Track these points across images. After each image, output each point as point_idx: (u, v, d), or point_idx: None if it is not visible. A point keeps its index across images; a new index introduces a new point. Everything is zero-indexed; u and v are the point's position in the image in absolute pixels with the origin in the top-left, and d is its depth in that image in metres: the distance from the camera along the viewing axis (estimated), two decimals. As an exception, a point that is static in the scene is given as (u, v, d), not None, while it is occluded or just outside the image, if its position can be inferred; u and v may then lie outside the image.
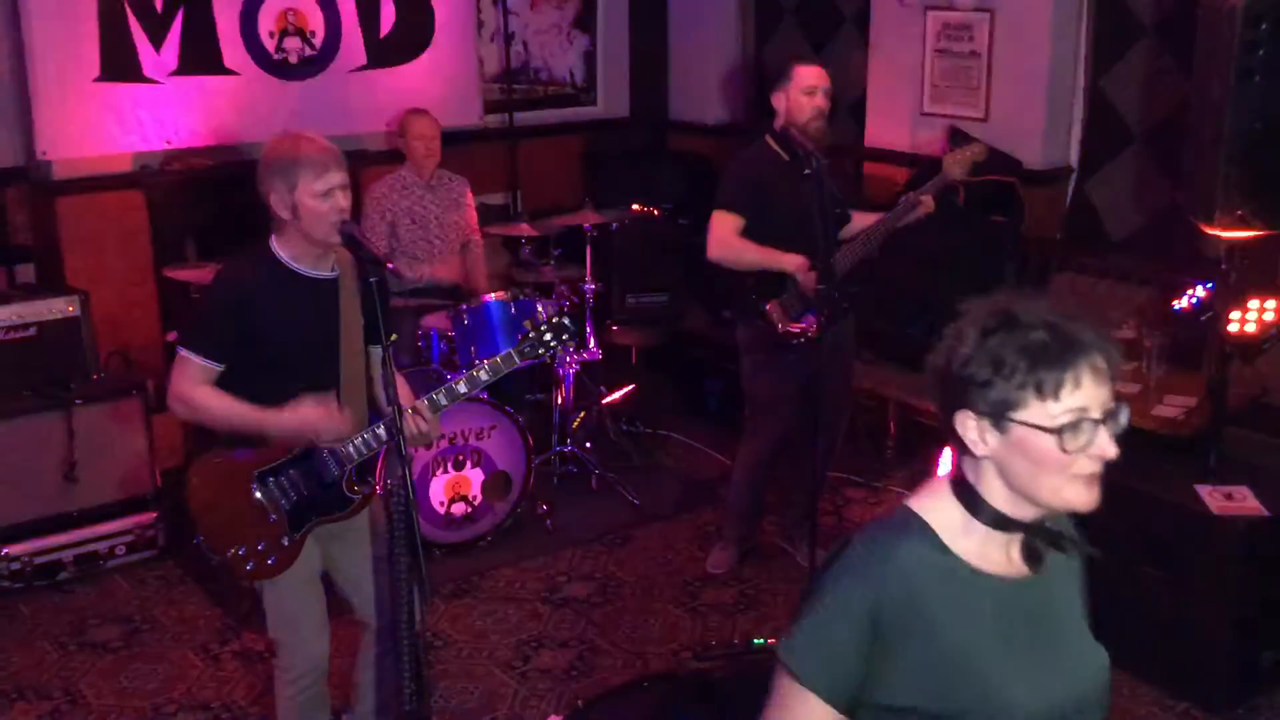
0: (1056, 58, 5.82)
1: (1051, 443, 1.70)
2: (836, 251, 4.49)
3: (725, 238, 4.58)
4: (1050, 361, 1.69)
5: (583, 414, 6.09)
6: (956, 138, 6.07)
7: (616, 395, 6.31)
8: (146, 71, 6.00)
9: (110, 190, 6.04)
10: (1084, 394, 1.69)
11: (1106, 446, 1.71)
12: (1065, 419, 1.69)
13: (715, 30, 7.69)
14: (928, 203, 4.62)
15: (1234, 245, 3.93)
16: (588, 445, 5.94)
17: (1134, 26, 5.67)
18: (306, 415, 3.15)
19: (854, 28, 6.96)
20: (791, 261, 4.50)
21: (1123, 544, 4.15)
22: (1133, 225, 5.84)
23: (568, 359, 5.72)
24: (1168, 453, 4.35)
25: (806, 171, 4.16)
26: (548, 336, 3.38)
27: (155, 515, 5.14)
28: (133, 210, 6.11)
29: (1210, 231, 3.83)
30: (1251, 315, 4.01)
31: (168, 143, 6.13)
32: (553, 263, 6.06)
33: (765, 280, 4.57)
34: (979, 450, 1.76)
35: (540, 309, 5.17)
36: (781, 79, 4.58)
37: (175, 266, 5.64)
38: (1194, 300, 4.39)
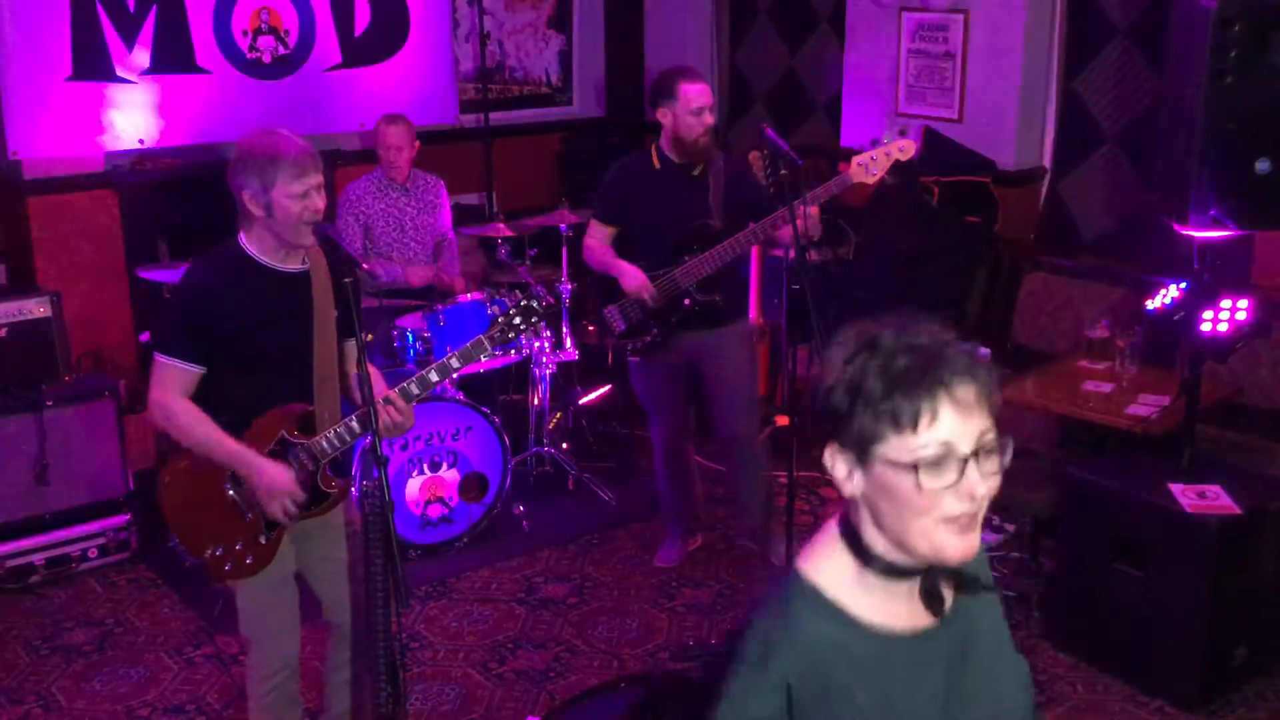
0: (1030, 59, 5.85)
1: (909, 481, 1.53)
2: (687, 260, 4.56)
3: (588, 243, 4.81)
4: (908, 388, 1.52)
5: (559, 415, 6.08)
6: (932, 139, 6.09)
7: (593, 396, 6.30)
8: (119, 71, 5.96)
9: (82, 190, 6.00)
10: (945, 426, 1.52)
11: (975, 484, 1.53)
12: (926, 453, 1.52)
13: (690, 30, 7.70)
14: (809, 215, 4.20)
15: (1207, 245, 3.95)
16: (564, 446, 5.94)
17: (1107, 28, 5.71)
18: (270, 480, 3.16)
19: (829, 28, 6.97)
20: (620, 270, 4.64)
21: (1096, 542, 4.17)
22: (1106, 225, 5.88)
23: (544, 359, 5.71)
24: (1141, 451, 4.37)
25: (789, 178, 4.18)
26: (516, 320, 3.35)
27: (128, 518, 5.11)
28: (105, 210, 6.08)
29: (1183, 231, 3.85)
30: (1224, 315, 4.03)
31: (140, 142, 6.09)
32: (528, 263, 6.05)
33: (611, 285, 4.71)
34: (847, 489, 1.61)
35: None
36: (666, 97, 4.57)
37: (148, 267, 5.60)
38: (1167, 300, 4.41)
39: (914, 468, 1.52)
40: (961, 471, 1.52)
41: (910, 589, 1.64)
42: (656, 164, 4.69)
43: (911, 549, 1.58)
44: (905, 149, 4.29)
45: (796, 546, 4.45)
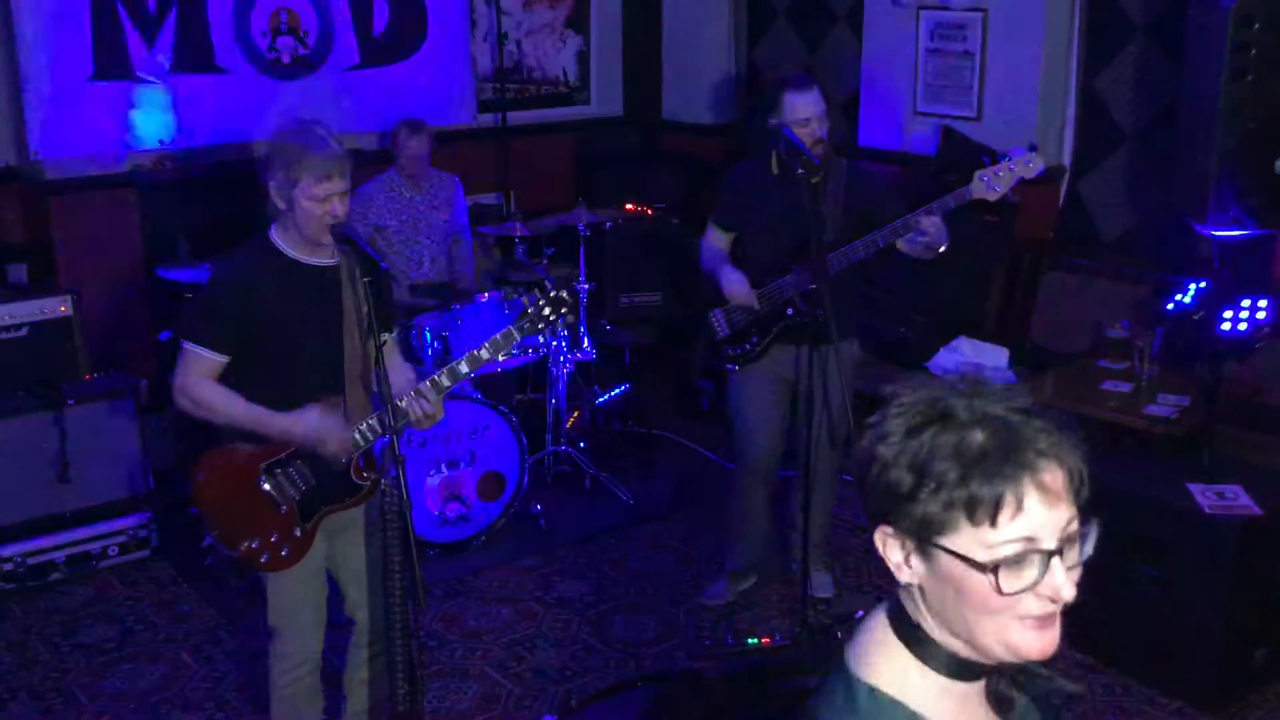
0: (1049, 57, 5.83)
1: (984, 581, 1.31)
2: (795, 269, 4.37)
3: (703, 244, 4.68)
4: (987, 474, 1.30)
5: (576, 413, 6.09)
6: (951, 138, 6.08)
7: (610, 395, 6.31)
8: (139, 71, 5.99)
9: (103, 189, 6.02)
10: (1030, 518, 1.30)
11: (1061, 586, 1.32)
12: (1005, 551, 1.30)
13: (708, 30, 7.70)
14: (928, 230, 4.10)
15: (1226, 244, 3.94)
16: (581, 445, 5.94)
17: (1126, 26, 5.69)
18: (313, 424, 3.17)
19: (847, 27, 6.96)
20: (722, 276, 4.49)
21: (1115, 543, 4.15)
22: (1125, 224, 5.85)
23: (562, 358, 5.73)
24: (1160, 452, 4.36)
25: (808, 176, 4.12)
26: (546, 311, 3.28)
27: (148, 516, 5.14)
28: (125, 210, 6.10)
29: (1203, 231, 3.84)
30: (1244, 314, 4.01)
31: (160, 142, 6.12)
32: (546, 262, 6.06)
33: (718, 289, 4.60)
34: (903, 576, 1.39)
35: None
36: (774, 108, 4.37)
37: (167, 266, 5.63)
38: (1186, 299, 4.40)
39: (993, 570, 1.31)
40: (1045, 569, 1.32)
41: (968, 691, 1.43)
42: (774, 171, 4.50)
43: (983, 649, 1.37)
44: (1033, 163, 4.03)
45: (814, 555, 4.43)
